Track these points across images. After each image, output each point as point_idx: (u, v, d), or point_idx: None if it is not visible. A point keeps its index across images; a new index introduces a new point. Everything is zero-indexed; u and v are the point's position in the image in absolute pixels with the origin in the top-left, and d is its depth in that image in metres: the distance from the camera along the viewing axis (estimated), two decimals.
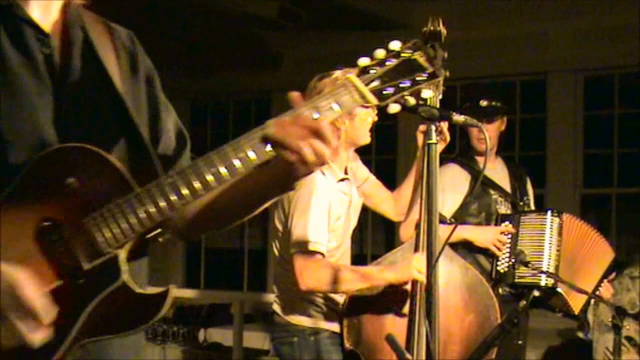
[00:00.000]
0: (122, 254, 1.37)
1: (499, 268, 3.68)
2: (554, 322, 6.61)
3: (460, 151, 3.97)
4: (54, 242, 1.33)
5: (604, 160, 7.15)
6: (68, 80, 1.46)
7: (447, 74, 2.93)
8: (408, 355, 2.21)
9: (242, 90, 8.70)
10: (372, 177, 3.24)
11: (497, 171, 3.92)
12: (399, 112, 1.42)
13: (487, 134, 3.67)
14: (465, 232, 3.66)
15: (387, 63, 1.40)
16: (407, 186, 3.19)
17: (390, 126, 7.24)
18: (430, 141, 2.15)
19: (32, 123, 1.40)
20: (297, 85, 7.97)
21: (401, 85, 1.39)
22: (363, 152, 3.24)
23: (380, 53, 1.41)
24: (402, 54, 1.40)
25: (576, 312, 3.65)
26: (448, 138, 3.03)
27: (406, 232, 3.35)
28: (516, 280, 3.62)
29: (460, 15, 6.57)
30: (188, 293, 7.36)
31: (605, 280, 3.73)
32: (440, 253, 2.14)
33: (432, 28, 2.94)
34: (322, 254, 2.80)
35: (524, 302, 3.08)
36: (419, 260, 2.72)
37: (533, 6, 6.86)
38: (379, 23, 7.19)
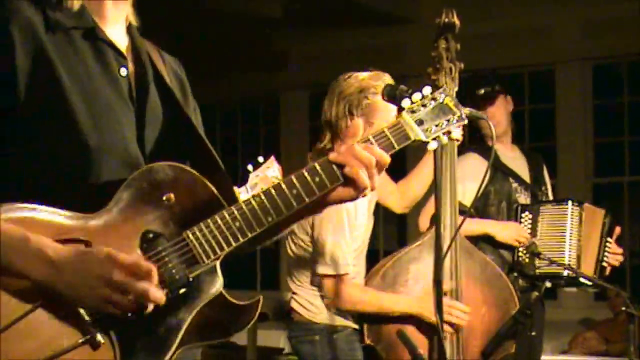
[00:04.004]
0: (218, 265, 1.48)
1: (520, 259, 3.66)
2: (569, 313, 6.62)
3: (478, 140, 3.94)
4: (157, 253, 1.42)
5: (615, 149, 7.12)
6: (147, 102, 1.57)
7: (462, 65, 2.94)
8: (420, 350, 2.22)
9: (250, 91, 8.71)
10: None
11: (515, 160, 3.90)
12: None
13: (491, 122, 3.65)
14: (489, 227, 3.64)
15: (428, 105, 1.62)
16: (413, 179, 3.17)
17: None
18: None
19: (120, 138, 1.51)
20: (303, 83, 8.06)
21: (440, 124, 1.62)
22: None
23: (418, 95, 1.63)
24: (438, 98, 1.64)
25: (589, 284, 3.65)
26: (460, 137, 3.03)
27: (424, 222, 3.34)
28: (538, 271, 3.60)
29: (466, 8, 6.55)
30: None
31: (609, 243, 3.70)
32: (452, 242, 2.14)
33: (446, 20, 2.92)
34: (349, 274, 2.85)
35: (536, 294, 3.08)
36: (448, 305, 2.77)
37: None
38: (386, 19, 7.19)
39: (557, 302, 6.66)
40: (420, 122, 1.60)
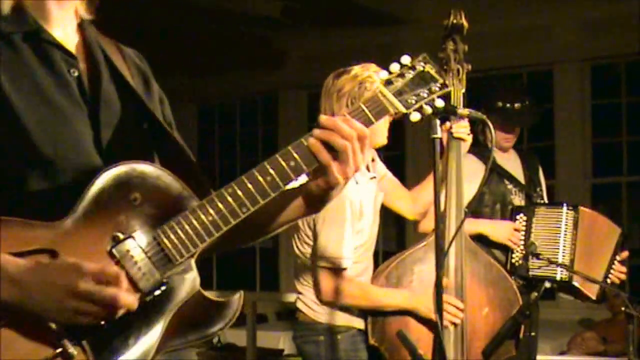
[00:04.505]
0: (193, 262, 1.43)
1: (513, 261, 3.66)
2: (568, 313, 6.62)
3: (475, 141, 3.95)
4: (127, 256, 1.37)
5: (613, 149, 7.13)
6: (101, 101, 1.49)
7: (470, 67, 2.94)
8: (420, 351, 2.22)
9: (248, 90, 8.71)
10: (390, 175, 3.23)
11: (510, 162, 3.91)
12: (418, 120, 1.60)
13: (512, 135, 3.65)
14: (482, 227, 3.64)
15: (407, 75, 1.54)
16: (427, 186, 3.15)
17: (397, 122, 7.25)
18: (435, 136, 2.14)
19: (76, 142, 1.44)
20: (302, 82, 8.08)
21: (421, 94, 1.54)
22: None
23: (396, 66, 1.54)
24: (417, 67, 1.55)
25: (594, 298, 3.62)
26: (469, 139, 3.04)
27: (424, 224, 3.34)
28: (531, 273, 3.59)
29: (464, 8, 6.56)
30: None
31: (616, 261, 3.69)
32: (452, 241, 2.14)
33: (454, 21, 2.92)
34: (346, 268, 2.84)
35: (535, 294, 3.08)
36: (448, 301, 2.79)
37: None
38: (384, 19, 7.19)
39: (555, 303, 6.66)
40: (399, 93, 1.53)
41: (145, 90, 1.61)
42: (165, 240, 1.38)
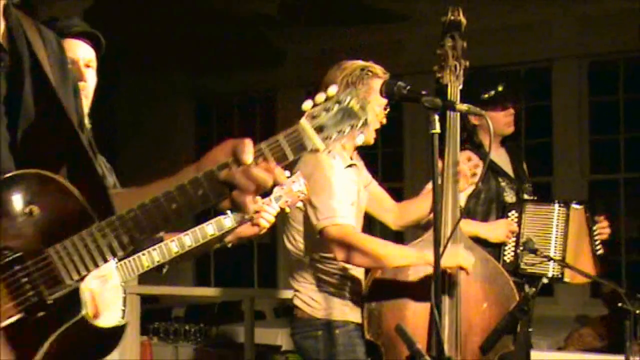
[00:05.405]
0: (83, 286, 1.35)
1: (505, 258, 3.66)
2: (565, 310, 6.63)
3: (468, 136, 3.94)
4: (13, 273, 1.29)
5: (611, 146, 7.14)
6: (22, 97, 1.40)
7: (467, 63, 2.94)
8: (418, 345, 2.22)
9: (247, 89, 8.71)
10: (375, 183, 3.22)
11: (502, 157, 3.92)
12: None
13: (491, 122, 3.67)
14: (477, 229, 3.65)
15: (331, 109, 1.46)
16: (415, 205, 3.14)
17: (396, 119, 7.26)
18: (433, 131, 2.15)
19: None
20: (300, 81, 8.07)
21: (342, 130, 1.47)
22: (370, 146, 3.22)
23: (321, 98, 1.47)
24: (343, 101, 1.47)
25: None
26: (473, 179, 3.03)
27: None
28: (522, 269, 3.60)
29: (463, 5, 6.57)
30: (198, 291, 7.39)
31: (595, 230, 3.70)
32: (450, 238, 2.15)
33: (452, 18, 2.93)
34: (353, 225, 2.81)
35: (533, 290, 3.08)
36: (465, 255, 2.78)
37: None
38: (382, 17, 7.20)
39: (553, 299, 6.68)
40: (320, 129, 1.45)
41: (62, 81, 1.50)
42: (57, 260, 1.30)
